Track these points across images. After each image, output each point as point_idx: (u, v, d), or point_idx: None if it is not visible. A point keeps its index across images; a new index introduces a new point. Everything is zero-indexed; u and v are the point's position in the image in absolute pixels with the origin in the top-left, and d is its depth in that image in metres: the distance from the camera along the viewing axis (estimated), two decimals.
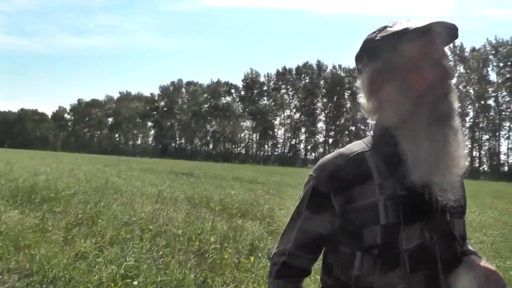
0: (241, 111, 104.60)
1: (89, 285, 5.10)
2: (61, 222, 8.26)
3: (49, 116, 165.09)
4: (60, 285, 5.22)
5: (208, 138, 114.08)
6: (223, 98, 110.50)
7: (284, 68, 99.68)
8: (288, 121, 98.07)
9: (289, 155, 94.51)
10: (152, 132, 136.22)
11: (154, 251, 6.05)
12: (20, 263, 6.34)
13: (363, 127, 76.68)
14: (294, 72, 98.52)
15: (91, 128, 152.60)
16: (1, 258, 6.59)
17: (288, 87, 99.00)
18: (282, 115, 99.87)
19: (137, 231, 6.70)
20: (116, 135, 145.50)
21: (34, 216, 8.96)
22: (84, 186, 12.60)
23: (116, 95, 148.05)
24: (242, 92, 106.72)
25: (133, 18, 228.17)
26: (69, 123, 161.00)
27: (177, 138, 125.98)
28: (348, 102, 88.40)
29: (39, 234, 7.55)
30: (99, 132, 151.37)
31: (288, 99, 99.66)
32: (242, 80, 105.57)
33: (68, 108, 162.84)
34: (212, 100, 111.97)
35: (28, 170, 18.74)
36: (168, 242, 6.42)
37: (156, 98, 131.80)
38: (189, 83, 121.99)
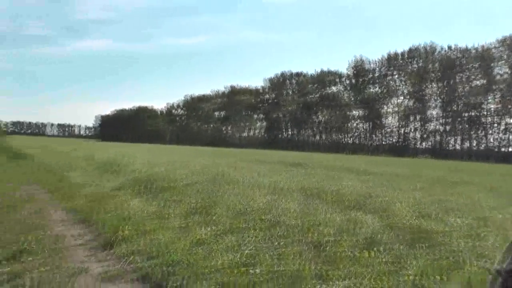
0: (349, 100, 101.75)
1: (207, 270, 5.22)
2: (178, 210, 8.62)
3: (163, 112, 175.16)
4: (180, 268, 5.42)
5: (316, 128, 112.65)
6: (330, 87, 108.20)
7: (394, 53, 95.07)
8: (398, 109, 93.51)
9: (400, 144, 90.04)
10: (260, 124, 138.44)
11: (270, 241, 6.04)
12: (144, 246, 6.72)
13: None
14: (404, 56, 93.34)
15: (202, 121, 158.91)
16: (129, 241, 7.05)
17: (399, 72, 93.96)
18: (392, 103, 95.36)
19: (253, 221, 6.75)
20: (226, 128, 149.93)
21: (154, 204, 9.48)
22: (198, 177, 13.06)
23: (225, 89, 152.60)
24: (350, 81, 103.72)
25: (235, 15, 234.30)
26: (181, 118, 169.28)
27: (285, 129, 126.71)
28: (464, 85, 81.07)
29: (159, 221, 7.97)
30: (209, 125, 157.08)
31: (397, 85, 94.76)
32: (347, 69, 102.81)
33: (179, 103, 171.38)
34: (319, 90, 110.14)
35: (147, 162, 19.91)
36: (283, 233, 6.38)
37: (264, 90, 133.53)
38: (296, 74, 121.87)
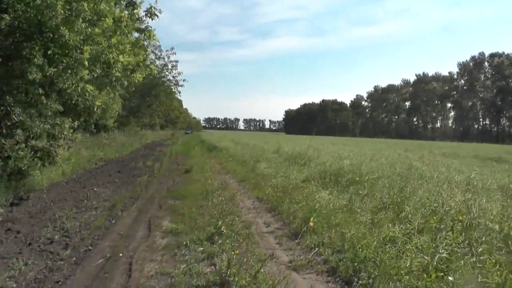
0: None
1: (398, 271, 4.95)
2: (367, 205, 8.40)
3: (348, 105, 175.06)
4: (370, 266, 5.25)
5: None
6: None
7: None
8: None
9: None
10: (452, 114, 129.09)
11: (468, 246, 5.46)
12: (332, 239, 6.72)
13: None
14: None
15: (388, 113, 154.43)
16: (317, 233, 7.11)
17: None
18: None
19: (448, 221, 6.20)
20: (414, 119, 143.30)
21: (341, 197, 9.42)
22: (387, 171, 12.60)
23: (412, 78, 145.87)
24: None
25: None
26: (367, 110, 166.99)
27: (480, 119, 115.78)
28: None
29: (348, 215, 7.88)
30: (396, 117, 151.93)
31: None
32: None
33: (365, 95, 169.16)
34: None
35: (332, 155, 19.97)
36: (482, 238, 5.71)
37: (455, 76, 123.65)
38: (492, 55, 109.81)
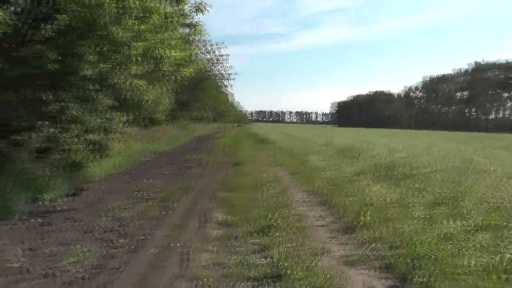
0: None
1: (457, 270, 4.78)
2: (422, 200, 8.17)
3: (399, 96, 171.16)
4: (426, 263, 5.09)
5: None
6: None
7: None
8: None
9: None
10: (510, 104, 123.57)
11: None
12: (386, 234, 6.57)
13: None
14: None
15: (441, 104, 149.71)
16: (370, 228, 6.98)
17: None
18: None
19: (511, 219, 5.91)
20: (470, 110, 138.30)
21: (395, 191, 9.20)
22: (442, 164, 12.23)
23: (467, 67, 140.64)
24: None
25: None
26: (421, 101, 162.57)
27: None
28: None
29: (401, 209, 7.69)
30: (450, 108, 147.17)
31: None
32: None
33: (415, 86, 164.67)
34: None
35: (384, 147, 19.58)
36: None
37: None
38: None
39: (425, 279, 4.82)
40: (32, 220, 7.98)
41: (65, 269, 5.61)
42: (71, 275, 5.45)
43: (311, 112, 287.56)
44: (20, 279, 5.25)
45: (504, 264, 4.69)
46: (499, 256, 4.78)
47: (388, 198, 8.57)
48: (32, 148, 9.85)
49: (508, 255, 4.80)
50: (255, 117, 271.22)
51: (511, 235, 5.37)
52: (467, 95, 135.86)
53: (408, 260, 5.34)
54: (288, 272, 5.06)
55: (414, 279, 4.89)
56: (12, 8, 8.83)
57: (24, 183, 9.10)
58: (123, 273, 5.60)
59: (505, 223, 5.76)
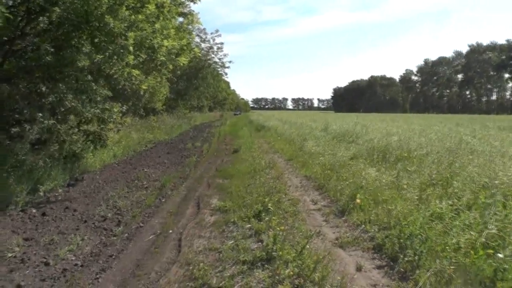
0: None
1: (445, 247, 4.89)
2: (415, 181, 8.27)
3: (397, 80, 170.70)
4: (416, 242, 5.20)
5: None
6: None
7: None
8: None
9: None
10: (510, 85, 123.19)
11: None
12: (378, 216, 6.70)
13: None
14: None
15: (439, 87, 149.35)
16: (364, 210, 7.12)
17: None
18: None
19: (499, 196, 6.01)
20: (467, 92, 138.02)
21: (389, 174, 9.30)
22: (436, 146, 12.33)
23: (465, 49, 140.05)
24: None
25: None
26: (417, 85, 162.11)
27: None
28: None
29: (394, 191, 7.79)
30: (448, 91, 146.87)
31: None
32: None
33: (415, 70, 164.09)
34: None
35: (381, 131, 19.67)
36: None
37: None
38: None
39: (413, 258, 4.94)
40: (32, 210, 8.10)
41: (63, 257, 5.76)
42: (69, 263, 5.59)
43: (311, 99, 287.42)
44: (21, 267, 5.37)
45: (490, 240, 4.80)
46: (485, 233, 4.88)
47: (383, 180, 8.67)
48: (31, 139, 9.94)
49: (493, 231, 4.90)
50: (255, 105, 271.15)
51: (496, 212, 5.46)
52: (465, 77, 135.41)
53: (398, 241, 5.46)
54: (280, 254, 5.18)
55: (404, 259, 5.01)
56: (4, 1, 8.82)
57: (23, 174, 9.20)
58: (119, 260, 5.74)
59: (491, 201, 5.85)
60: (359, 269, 5.07)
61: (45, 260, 5.62)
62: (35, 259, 5.64)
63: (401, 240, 5.42)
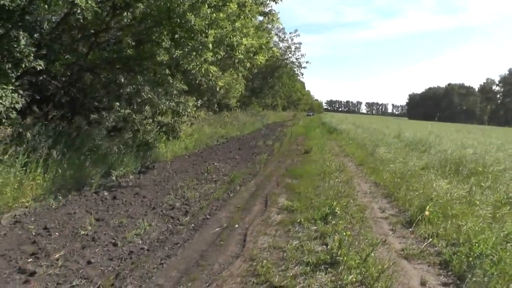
0: None
1: None
2: (489, 198, 7.90)
3: (476, 89, 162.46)
4: (487, 262, 5.00)
5: None
6: None
7: None
8: None
9: None
10: None
11: None
12: (447, 230, 6.49)
13: None
14: None
15: None
16: (432, 223, 6.90)
17: None
18: None
19: None
20: None
21: (461, 188, 8.93)
22: None
23: None
24: None
25: None
26: (498, 95, 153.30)
27: None
28: None
29: (466, 206, 7.52)
30: None
31: None
32: None
33: (497, 79, 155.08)
34: None
35: (455, 142, 18.89)
36: None
37: None
38: None
39: (482, 279, 4.71)
40: (104, 193, 8.60)
41: (130, 240, 6.07)
42: (136, 246, 5.86)
43: (385, 104, 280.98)
44: (92, 245, 5.71)
45: None
46: None
47: (455, 194, 8.35)
48: (107, 126, 10.53)
49: None
50: (329, 107, 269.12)
51: None
52: None
53: (467, 259, 5.24)
54: (344, 259, 5.13)
55: (472, 279, 4.79)
56: None
57: (98, 158, 9.80)
58: (184, 248, 5.94)
59: None
60: (423, 283, 4.96)
61: (113, 241, 6.00)
62: (105, 239, 6.04)
63: (470, 259, 5.20)
